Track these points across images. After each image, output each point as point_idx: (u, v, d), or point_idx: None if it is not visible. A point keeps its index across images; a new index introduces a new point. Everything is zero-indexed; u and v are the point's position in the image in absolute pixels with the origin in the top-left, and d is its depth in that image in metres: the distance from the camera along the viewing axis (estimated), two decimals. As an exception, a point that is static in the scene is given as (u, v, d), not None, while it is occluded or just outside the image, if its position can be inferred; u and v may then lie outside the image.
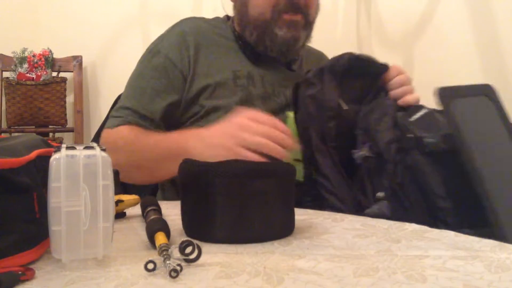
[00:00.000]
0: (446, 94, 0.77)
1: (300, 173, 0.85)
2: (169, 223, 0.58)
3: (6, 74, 2.56)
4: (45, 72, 2.52)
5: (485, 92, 0.81)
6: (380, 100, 0.91)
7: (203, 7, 2.38)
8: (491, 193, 0.70)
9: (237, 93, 1.04)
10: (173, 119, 1.05)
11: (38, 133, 2.36)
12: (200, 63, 1.06)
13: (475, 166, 0.72)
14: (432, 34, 1.81)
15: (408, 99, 0.91)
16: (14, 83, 2.50)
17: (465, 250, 0.53)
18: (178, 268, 0.46)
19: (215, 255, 0.52)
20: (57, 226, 0.47)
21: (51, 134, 2.59)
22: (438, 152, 0.77)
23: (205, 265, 0.49)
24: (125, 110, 1.04)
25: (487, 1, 1.67)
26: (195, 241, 0.50)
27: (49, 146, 0.58)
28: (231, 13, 1.17)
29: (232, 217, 0.58)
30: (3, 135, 2.21)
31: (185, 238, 0.56)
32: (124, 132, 1.01)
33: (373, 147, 0.84)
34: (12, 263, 0.46)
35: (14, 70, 2.52)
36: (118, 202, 0.70)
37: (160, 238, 0.53)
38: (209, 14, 1.22)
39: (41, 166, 0.51)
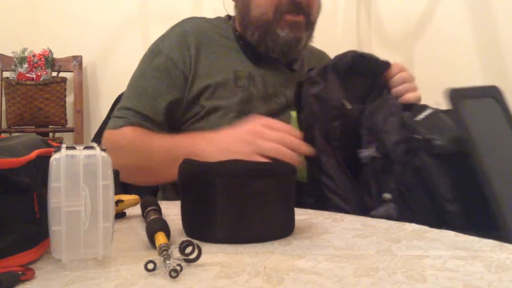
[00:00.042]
0: (456, 95, 0.76)
1: (305, 173, 0.85)
2: (169, 223, 0.58)
3: (6, 74, 2.56)
4: (45, 72, 2.52)
5: (492, 94, 0.80)
6: (384, 98, 0.90)
7: (203, 7, 2.39)
8: (499, 196, 0.69)
9: (237, 94, 1.04)
10: (174, 118, 1.05)
11: (38, 133, 2.36)
12: (201, 63, 1.06)
13: (484, 169, 0.71)
14: (432, 34, 1.81)
15: (409, 97, 0.91)
16: (14, 83, 2.50)
17: (465, 250, 0.53)
18: (178, 268, 0.46)
19: (215, 255, 0.52)
20: (57, 226, 0.47)
21: (51, 134, 2.59)
22: (446, 154, 0.76)
23: (205, 265, 0.49)
24: (127, 111, 1.03)
25: (487, 1, 1.67)
26: (195, 241, 0.50)
27: (49, 146, 0.58)
28: (232, 13, 1.17)
29: (232, 217, 0.58)
30: (3, 135, 2.21)
31: (185, 238, 0.56)
32: (128, 134, 1.01)
33: (380, 148, 0.82)
34: (12, 263, 0.46)
35: (14, 70, 2.52)
36: (118, 202, 0.70)
37: (160, 238, 0.53)
38: (209, 14, 1.21)
39: (41, 166, 0.51)
